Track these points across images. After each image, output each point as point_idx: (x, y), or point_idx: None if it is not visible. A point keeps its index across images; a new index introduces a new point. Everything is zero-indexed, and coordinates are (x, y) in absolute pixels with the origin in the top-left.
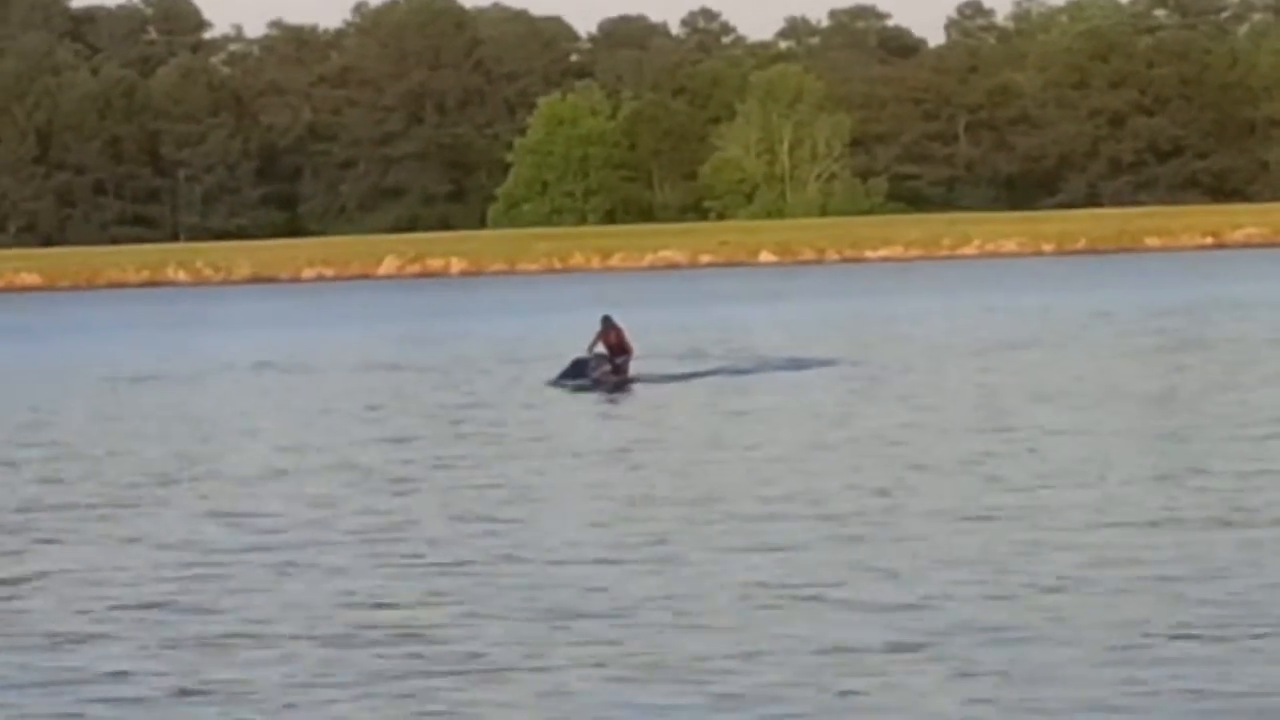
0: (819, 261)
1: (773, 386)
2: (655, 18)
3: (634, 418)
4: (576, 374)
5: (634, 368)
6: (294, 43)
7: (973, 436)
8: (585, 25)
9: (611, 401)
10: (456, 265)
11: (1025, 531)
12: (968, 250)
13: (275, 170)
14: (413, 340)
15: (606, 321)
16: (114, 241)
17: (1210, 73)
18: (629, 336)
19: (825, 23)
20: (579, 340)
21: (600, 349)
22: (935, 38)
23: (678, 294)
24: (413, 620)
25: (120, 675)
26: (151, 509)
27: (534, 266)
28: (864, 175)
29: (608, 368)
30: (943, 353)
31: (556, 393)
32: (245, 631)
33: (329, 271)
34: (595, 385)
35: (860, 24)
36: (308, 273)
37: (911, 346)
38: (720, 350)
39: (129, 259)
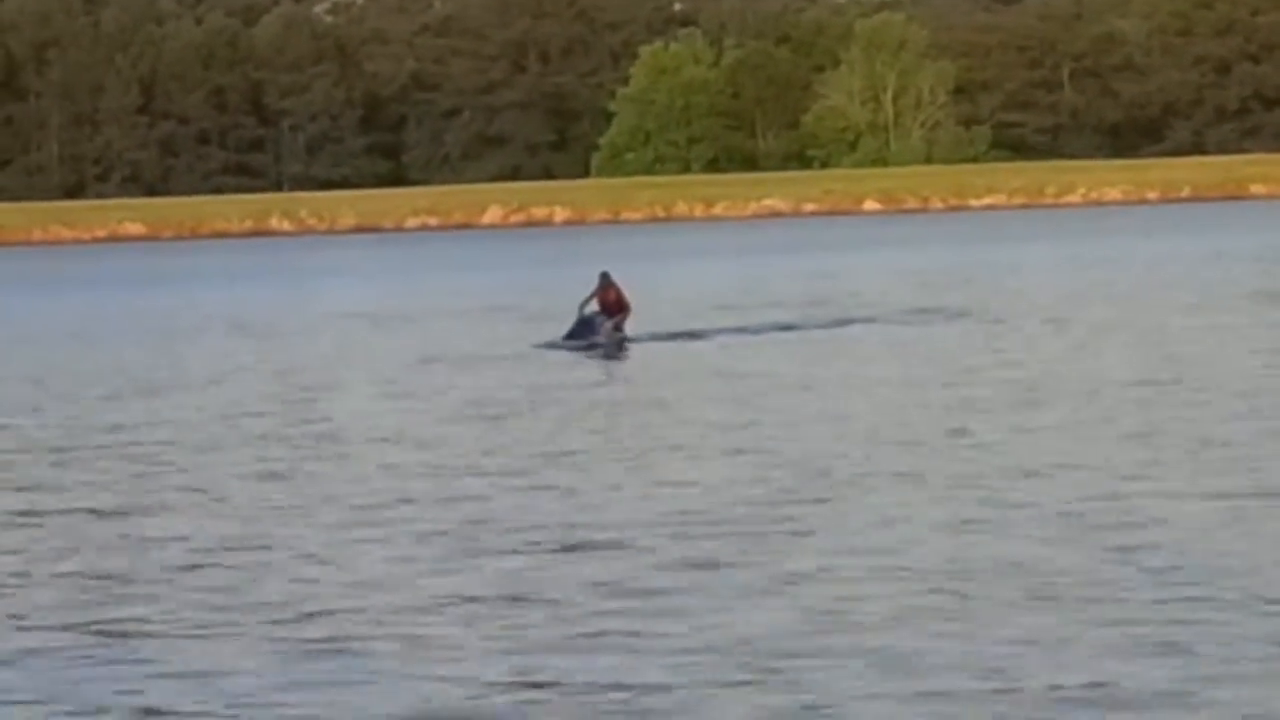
0: (923, 210)
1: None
2: None
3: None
4: (584, 333)
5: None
6: None
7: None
8: None
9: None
10: (560, 214)
11: None
12: (1072, 198)
13: (379, 120)
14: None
15: (605, 278)
16: (217, 191)
17: None
18: (627, 294)
19: None
20: (684, 289)
21: (594, 307)
22: None
23: (783, 242)
24: None
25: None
26: None
27: (637, 215)
28: (968, 123)
29: (611, 325)
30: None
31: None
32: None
33: (432, 221)
34: (600, 346)
35: None
36: (411, 222)
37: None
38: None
39: (233, 209)
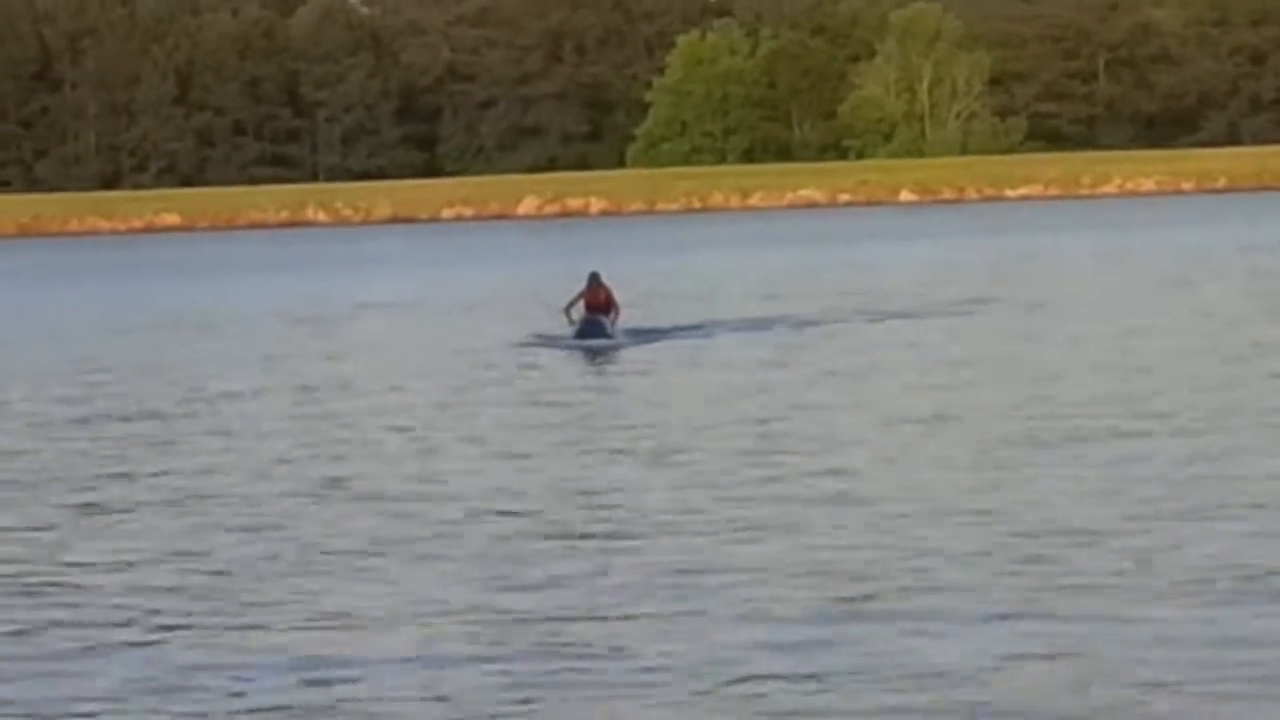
0: (958, 200)
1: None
2: None
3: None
4: (595, 332)
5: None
6: None
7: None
8: None
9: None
10: (596, 205)
11: None
12: (1107, 189)
13: (414, 110)
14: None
15: (594, 279)
16: (253, 182)
17: None
18: (617, 295)
19: None
20: (721, 275)
21: (580, 308)
22: None
23: (819, 232)
24: None
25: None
26: None
27: (673, 206)
28: (1003, 114)
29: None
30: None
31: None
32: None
33: (468, 211)
34: (618, 344)
35: None
36: (447, 213)
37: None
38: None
39: (268, 199)
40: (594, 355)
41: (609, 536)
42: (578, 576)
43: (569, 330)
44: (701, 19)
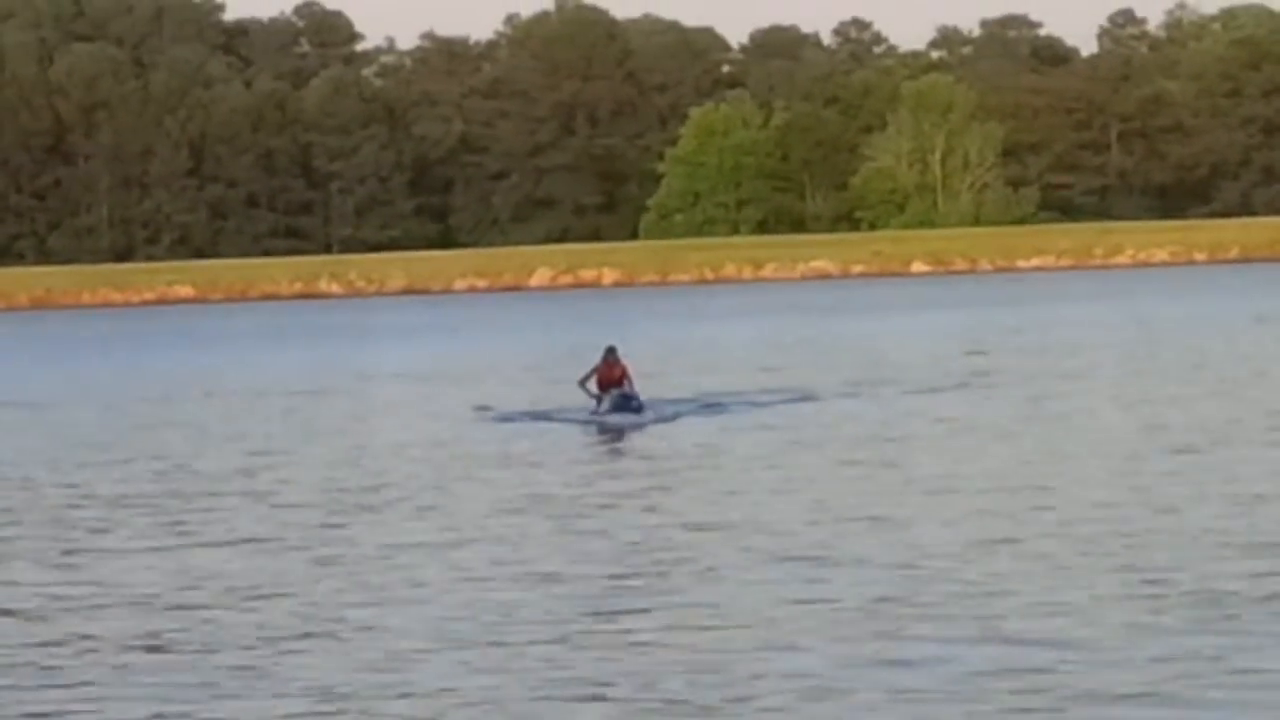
0: (971, 271)
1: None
2: (807, 28)
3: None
4: (628, 405)
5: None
6: (446, 54)
7: None
8: (737, 36)
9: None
10: (609, 276)
11: None
12: (1120, 259)
13: (427, 182)
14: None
15: (611, 353)
16: (266, 254)
17: None
18: (632, 370)
19: (977, 32)
20: (734, 346)
21: (592, 385)
22: (1087, 47)
23: (832, 303)
24: None
25: None
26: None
27: (686, 277)
28: (1016, 185)
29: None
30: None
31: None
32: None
33: (481, 283)
34: (654, 418)
35: (1012, 33)
36: (460, 284)
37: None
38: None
39: (282, 271)
40: (623, 432)
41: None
42: None
43: (591, 405)
44: (714, 90)
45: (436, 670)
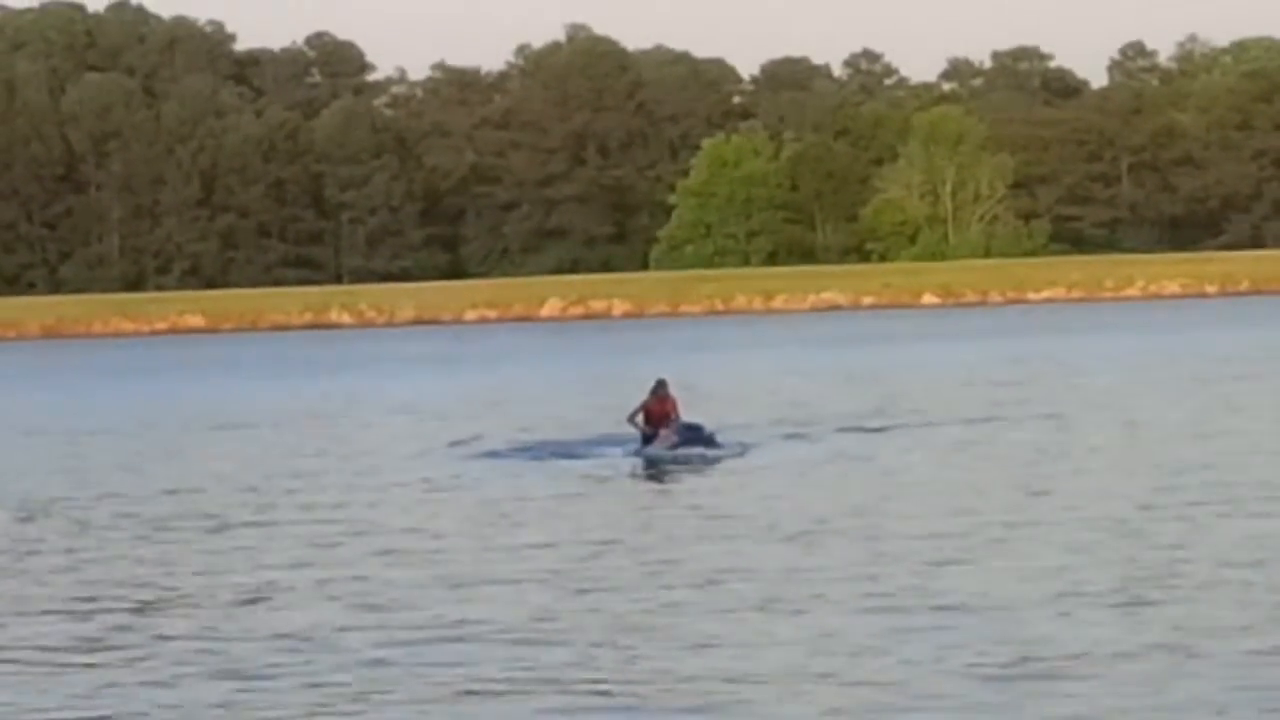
0: (982, 303)
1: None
2: (817, 59)
3: None
4: (697, 440)
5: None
6: (457, 85)
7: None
8: (748, 67)
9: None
10: (619, 307)
11: None
12: (1131, 291)
13: (438, 212)
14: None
15: (661, 387)
16: (277, 284)
17: None
18: (681, 406)
19: (987, 64)
20: (744, 377)
21: (640, 419)
22: (1098, 79)
23: (842, 335)
24: None
25: None
26: None
27: (696, 308)
28: (1026, 217)
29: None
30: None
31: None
32: None
33: (491, 313)
34: (723, 450)
35: (1023, 65)
36: (470, 314)
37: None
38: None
39: (292, 301)
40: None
41: None
42: None
43: (659, 444)
44: (725, 122)
45: None
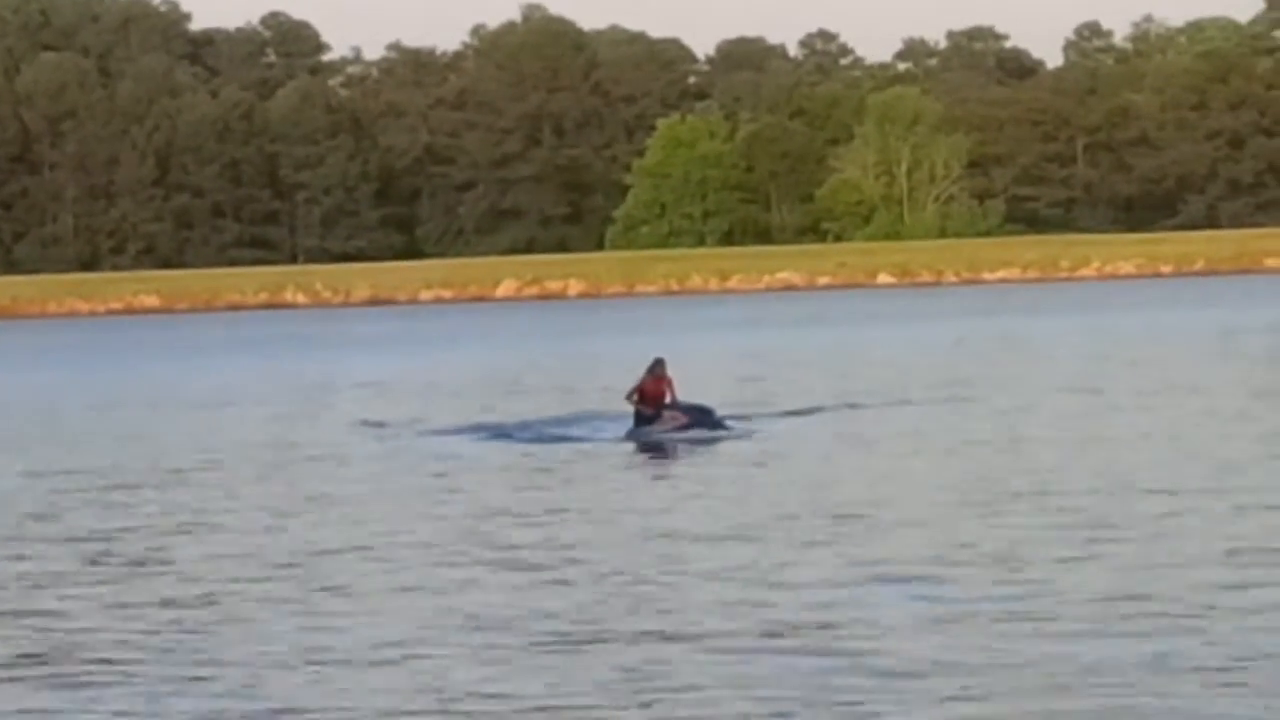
0: (936, 283)
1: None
2: (773, 39)
3: None
4: (708, 421)
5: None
6: (412, 65)
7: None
8: (703, 47)
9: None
10: (574, 287)
11: None
12: (1086, 272)
13: (393, 192)
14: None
15: (660, 366)
16: (232, 264)
17: None
18: (678, 386)
19: (943, 44)
20: (704, 362)
21: (635, 398)
22: (1053, 59)
23: (798, 315)
24: None
25: None
26: None
27: (651, 288)
28: (982, 197)
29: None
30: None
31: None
32: None
33: (447, 293)
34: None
35: (978, 45)
36: (425, 295)
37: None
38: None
39: (247, 281)
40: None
41: None
42: None
43: (662, 426)
44: (680, 102)
45: None
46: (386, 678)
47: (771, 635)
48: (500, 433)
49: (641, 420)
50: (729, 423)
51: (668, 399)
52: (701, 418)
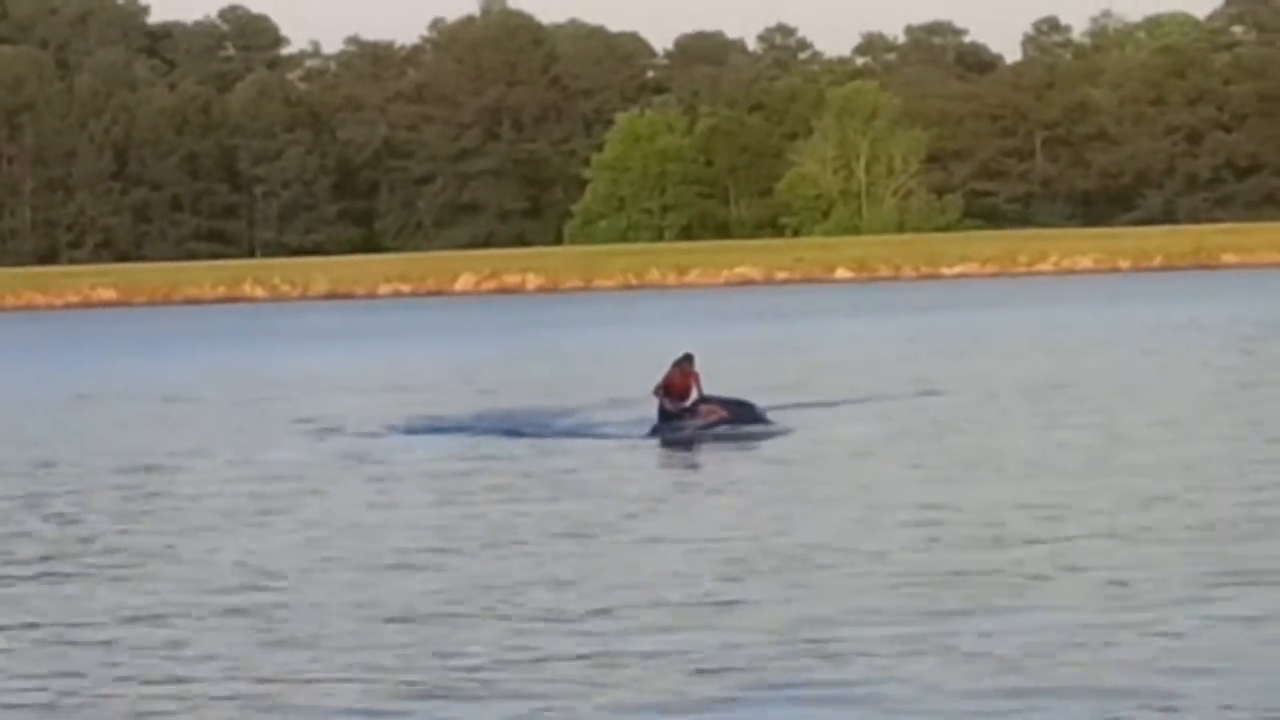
0: (895, 278)
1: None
2: (732, 34)
3: None
4: (749, 416)
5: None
6: (371, 59)
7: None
8: (662, 41)
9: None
10: (532, 281)
11: None
12: (1044, 267)
13: (352, 186)
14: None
15: (686, 360)
16: (190, 257)
17: None
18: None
19: (902, 39)
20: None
21: (662, 392)
22: (1012, 54)
23: (757, 310)
24: None
25: None
26: None
27: (610, 283)
28: (940, 191)
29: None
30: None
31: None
32: None
33: (405, 288)
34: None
35: (937, 40)
36: (384, 289)
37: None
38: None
39: (205, 275)
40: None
41: None
42: None
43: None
44: (639, 96)
45: None
46: None
47: None
48: (510, 429)
49: (667, 416)
50: (770, 416)
51: (694, 394)
52: (741, 411)
